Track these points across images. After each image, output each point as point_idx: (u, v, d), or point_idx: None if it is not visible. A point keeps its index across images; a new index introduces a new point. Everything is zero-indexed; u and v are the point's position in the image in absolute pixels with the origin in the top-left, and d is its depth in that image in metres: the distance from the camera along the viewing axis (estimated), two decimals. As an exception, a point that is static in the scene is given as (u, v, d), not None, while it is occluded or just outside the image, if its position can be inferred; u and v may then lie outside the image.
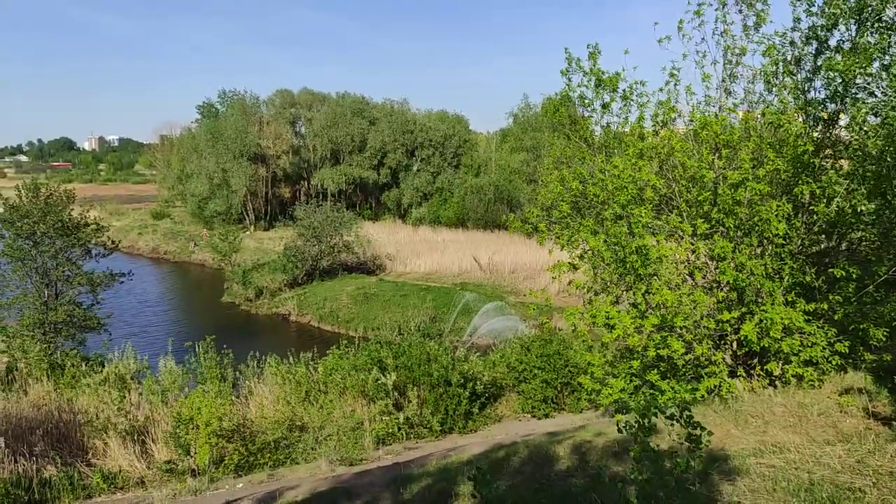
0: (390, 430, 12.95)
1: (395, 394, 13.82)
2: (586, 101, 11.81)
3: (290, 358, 15.51)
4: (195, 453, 11.40)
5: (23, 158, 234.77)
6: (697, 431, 5.01)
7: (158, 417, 12.79)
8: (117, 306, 36.26)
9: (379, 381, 13.71)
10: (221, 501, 8.62)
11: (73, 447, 11.76)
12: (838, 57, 9.65)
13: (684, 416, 5.00)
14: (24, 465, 10.69)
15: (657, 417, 5.05)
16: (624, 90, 11.43)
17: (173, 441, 11.73)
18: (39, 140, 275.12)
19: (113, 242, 26.15)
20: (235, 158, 64.65)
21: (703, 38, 10.91)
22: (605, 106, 11.65)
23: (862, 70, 9.02)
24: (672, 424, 5.14)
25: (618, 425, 5.34)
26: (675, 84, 11.14)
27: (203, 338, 15.51)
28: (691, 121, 10.80)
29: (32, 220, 22.62)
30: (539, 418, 14.56)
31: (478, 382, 14.69)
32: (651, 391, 9.53)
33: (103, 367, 15.59)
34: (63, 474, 10.79)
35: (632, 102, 11.47)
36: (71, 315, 22.81)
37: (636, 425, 5.05)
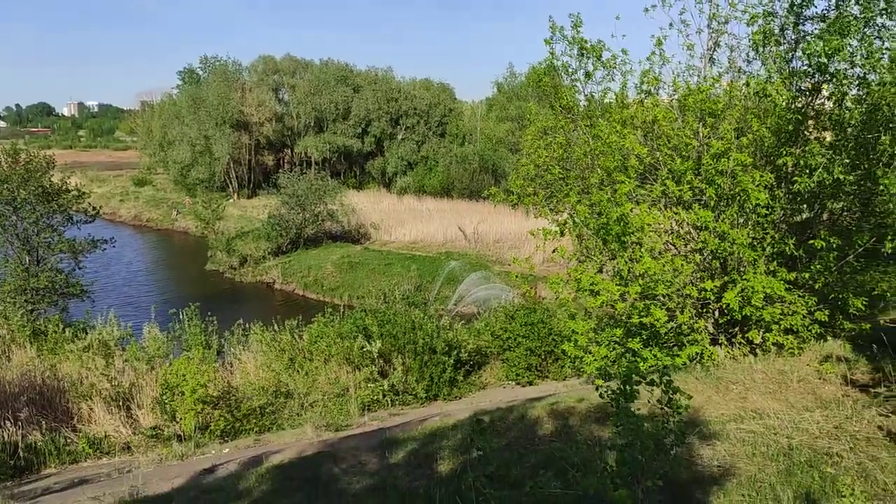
0: (375, 397, 13.07)
1: (381, 361, 13.92)
2: (570, 70, 11.78)
3: (275, 325, 15.55)
4: (181, 419, 11.46)
5: (0, 124, 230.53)
6: (676, 396, 5.10)
7: (143, 384, 12.82)
8: (100, 274, 36.06)
9: (364, 349, 13.80)
10: (207, 465, 8.69)
11: (58, 413, 11.77)
12: (822, 25, 9.65)
13: (664, 382, 5.09)
14: (9, 431, 10.70)
15: (638, 384, 5.14)
16: (606, 59, 11.40)
17: (159, 407, 11.79)
18: (17, 105, 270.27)
19: (94, 209, 25.89)
20: (218, 125, 63.87)
21: (684, 8, 10.91)
22: (588, 75, 11.62)
23: (838, 50, 9.02)
24: (651, 391, 5.23)
25: (598, 391, 5.43)
26: (660, 53, 11.13)
27: (187, 305, 15.52)
28: (675, 90, 10.81)
29: (12, 185, 22.32)
30: (523, 385, 14.73)
31: (462, 350, 14.82)
32: (633, 358, 9.65)
33: (86, 334, 15.54)
34: (48, 439, 10.82)
35: (615, 71, 11.45)
36: (53, 282, 22.65)
37: (617, 391, 5.14)
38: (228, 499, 7.09)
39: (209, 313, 15.65)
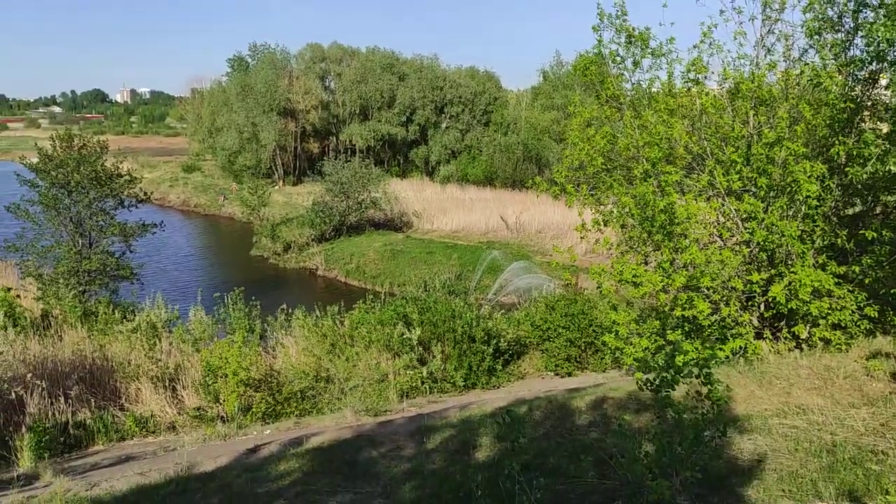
0: (414, 384, 13.15)
1: (420, 349, 13.98)
2: (617, 59, 11.61)
3: (317, 311, 15.74)
4: (224, 401, 11.70)
5: (56, 109, 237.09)
6: (716, 387, 5.03)
7: (188, 365, 13.12)
8: (150, 258, 36.93)
9: (404, 336, 13.87)
10: (250, 445, 8.88)
11: (106, 392, 12.13)
12: (881, 12, 9.34)
13: (703, 373, 5.02)
14: (61, 408, 11.07)
15: (678, 373, 5.08)
16: (654, 47, 11.20)
17: (203, 389, 12.05)
18: (73, 91, 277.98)
19: (145, 194, 26.48)
20: (265, 112, 64.65)
21: None
22: (635, 63, 11.44)
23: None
24: (690, 382, 5.17)
25: (637, 382, 5.38)
26: (710, 42, 10.89)
27: (232, 289, 15.81)
28: (725, 79, 10.57)
29: (67, 169, 22.93)
30: (562, 376, 14.66)
31: (501, 339, 14.80)
32: (673, 350, 9.53)
33: (135, 315, 15.94)
34: (97, 417, 11.16)
35: (663, 59, 11.25)
36: (104, 264, 23.24)
37: (657, 381, 5.09)
38: (270, 478, 7.22)
39: (253, 298, 15.91)
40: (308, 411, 12.10)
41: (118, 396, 12.14)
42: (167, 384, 12.46)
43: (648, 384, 5.18)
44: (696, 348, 9.49)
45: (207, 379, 11.96)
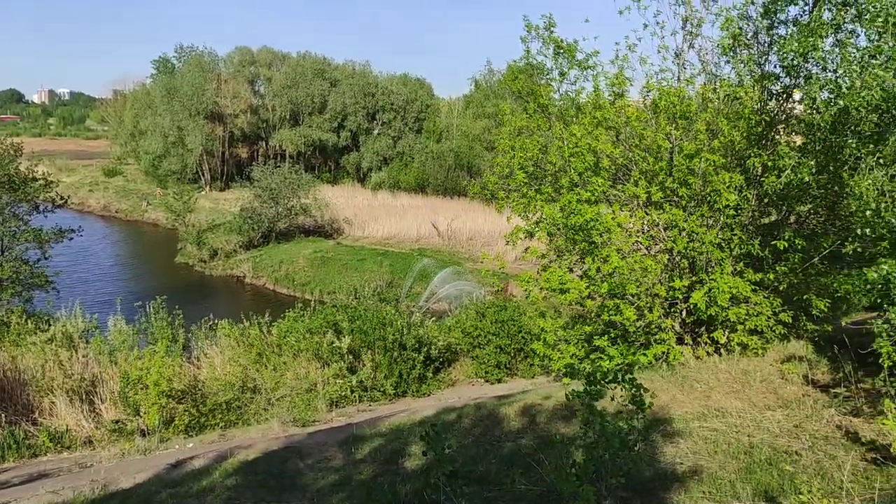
0: (344, 393, 12.98)
1: (350, 357, 13.83)
2: (545, 70, 11.82)
3: (245, 320, 15.39)
4: (145, 413, 11.29)
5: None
6: (640, 394, 5.14)
7: (107, 377, 12.59)
8: (69, 266, 35.45)
9: (333, 345, 13.70)
10: (171, 460, 8.57)
11: (18, 406, 11.51)
12: (794, 29, 9.78)
13: (626, 380, 5.12)
14: (-34, 423, 10.47)
15: (603, 382, 5.16)
16: (580, 60, 11.45)
17: (122, 401, 11.60)
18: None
19: (62, 198, 25.40)
20: (192, 116, 63.06)
21: (658, 11, 11.01)
22: (562, 74, 11.67)
23: (814, 49, 9.14)
24: (614, 388, 5.27)
25: (566, 394, 5.46)
26: (627, 54, 11.20)
27: (154, 298, 15.29)
28: (648, 91, 10.88)
29: (-24, 173, 21.85)
30: (492, 383, 14.74)
31: (432, 347, 14.79)
32: (600, 355, 9.72)
33: (50, 325, 15.24)
34: (8, 433, 10.58)
35: (589, 71, 11.51)
36: (17, 272, 22.18)
37: (583, 391, 5.16)
38: (192, 494, 6.99)
39: (176, 307, 15.43)
40: (234, 423, 11.79)
41: (31, 410, 11.55)
42: (84, 397, 11.92)
43: (574, 392, 5.24)
44: (622, 353, 9.73)
45: (127, 391, 11.52)
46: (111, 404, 11.86)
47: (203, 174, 67.52)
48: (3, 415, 11.01)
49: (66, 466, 9.36)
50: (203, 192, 63.42)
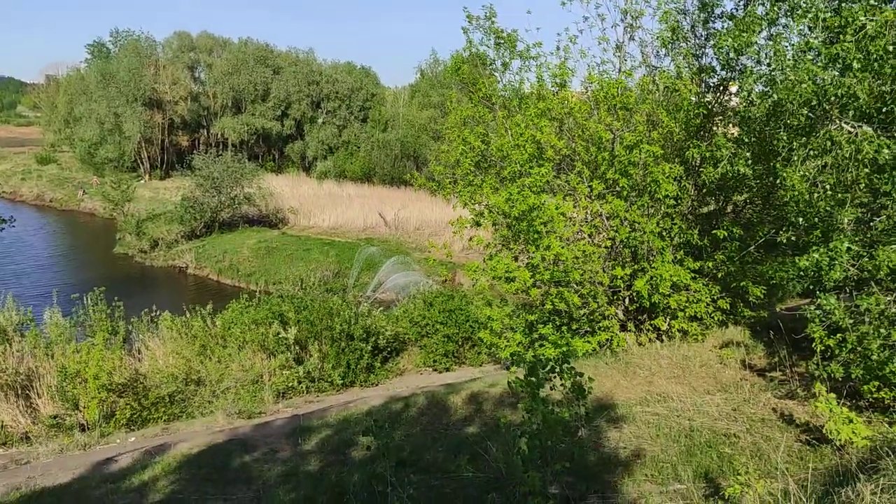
0: (291, 384, 12.88)
1: (297, 348, 13.71)
2: (487, 60, 11.88)
3: (187, 311, 15.09)
4: (84, 408, 11.00)
5: None
6: (579, 380, 5.25)
7: (44, 371, 12.21)
8: (1, 257, 34.11)
9: (280, 336, 13.56)
10: (112, 454, 8.39)
11: (-53, 403, 11.10)
12: (730, 24, 10.03)
13: (564, 368, 5.22)
14: None
15: (543, 371, 5.25)
16: (521, 50, 11.55)
17: (60, 395, 11.28)
18: None
19: (-8, 188, 24.41)
20: (129, 103, 61.11)
21: (599, 3, 11.16)
22: (504, 65, 11.76)
23: (748, 45, 9.39)
24: (554, 376, 5.36)
25: (509, 383, 5.54)
26: (568, 45, 11.33)
27: (93, 290, 14.85)
28: (590, 83, 11.03)
29: None
30: (440, 372, 14.82)
31: (380, 337, 14.77)
32: (544, 343, 9.86)
33: (-19, 319, 14.65)
34: (-63, 430, 10.20)
35: (531, 62, 11.61)
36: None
37: (525, 379, 5.24)
38: (132, 488, 6.86)
39: (116, 298, 15.02)
40: (177, 416, 11.58)
41: (-37, 407, 11.13)
42: (20, 392, 11.56)
43: (518, 381, 5.32)
44: (567, 342, 9.89)
45: (65, 385, 11.19)
46: (49, 399, 11.53)
47: (142, 162, 65.64)
48: (-69, 413, 10.61)
49: (1, 463, 9.08)
50: (142, 181, 61.69)
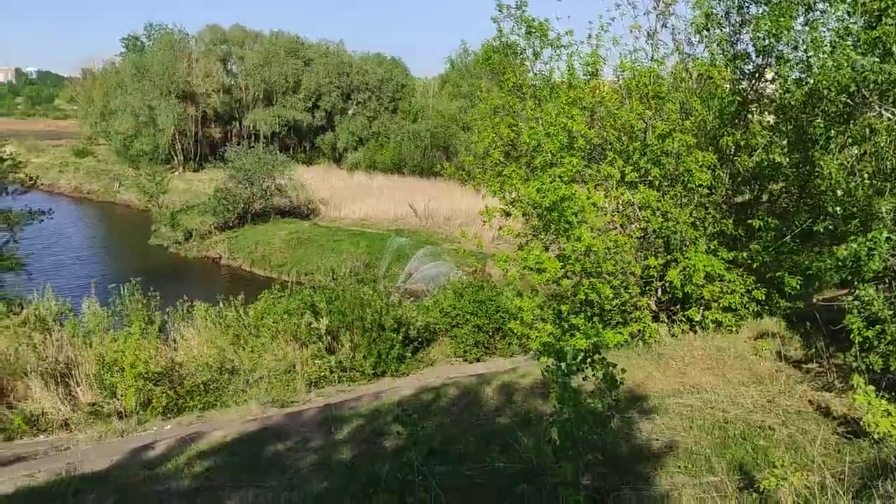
0: (323, 374, 13.00)
1: (328, 338, 13.83)
2: (518, 49, 11.81)
3: (221, 302, 15.30)
4: (122, 396, 11.23)
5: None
6: (611, 371, 5.21)
7: (82, 360, 12.48)
8: (42, 249, 34.86)
9: (312, 326, 13.69)
10: (149, 441, 8.55)
11: (-10, 390, 11.41)
12: (765, 9, 9.84)
13: (596, 358, 5.19)
14: (-63, 408, 10.34)
15: (574, 361, 5.23)
16: (552, 39, 11.45)
17: (98, 383, 11.52)
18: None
19: (31, 179, 24.88)
20: (163, 95, 61.98)
21: None
22: (535, 54, 11.67)
23: (786, 30, 9.22)
24: (585, 366, 5.34)
25: (543, 372, 5.52)
26: (605, 32, 11.22)
27: (129, 280, 15.14)
28: (622, 71, 10.91)
29: (-60, 154, 21.31)
30: (470, 362, 14.83)
31: (411, 327, 14.83)
32: (576, 333, 9.81)
33: (22, 308, 15.02)
34: (-20, 417, 10.49)
35: (562, 51, 11.51)
36: (-15, 255, 21.75)
37: (557, 368, 5.23)
38: (169, 475, 6.98)
39: (152, 288, 15.29)
40: (212, 404, 11.76)
41: (5, 394, 11.44)
42: (59, 380, 11.82)
43: (550, 370, 5.30)
44: (598, 332, 9.84)
45: (103, 373, 11.43)
46: (87, 387, 11.77)
47: (176, 155, 66.56)
48: (-25, 400, 10.91)
49: (43, 450, 9.29)
50: (176, 173, 62.60)
